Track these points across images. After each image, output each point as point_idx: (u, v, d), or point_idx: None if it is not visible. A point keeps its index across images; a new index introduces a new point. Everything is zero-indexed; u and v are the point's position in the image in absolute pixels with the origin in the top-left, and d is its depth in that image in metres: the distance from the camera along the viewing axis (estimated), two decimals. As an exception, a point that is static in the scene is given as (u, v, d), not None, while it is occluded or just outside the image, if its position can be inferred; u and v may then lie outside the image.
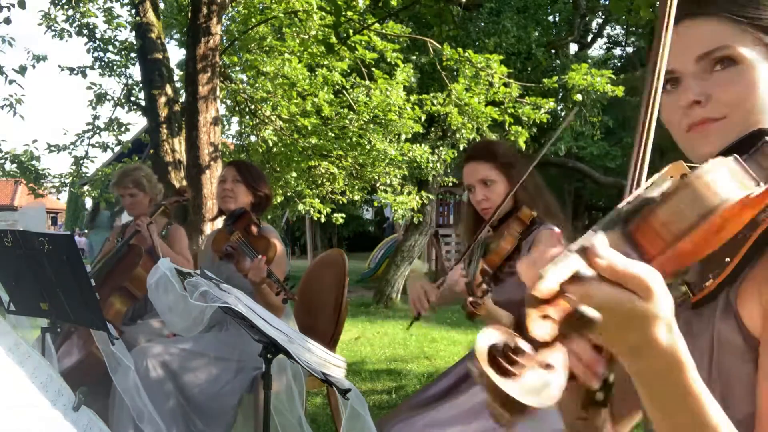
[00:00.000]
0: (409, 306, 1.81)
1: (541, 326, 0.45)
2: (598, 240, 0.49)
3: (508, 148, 1.96)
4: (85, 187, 6.81)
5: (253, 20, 6.62)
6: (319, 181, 6.91)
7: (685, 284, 0.74)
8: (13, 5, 4.52)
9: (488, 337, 0.45)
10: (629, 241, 0.52)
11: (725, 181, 0.53)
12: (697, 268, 0.74)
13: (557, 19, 13.95)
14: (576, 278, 0.46)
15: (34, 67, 5.85)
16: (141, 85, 5.67)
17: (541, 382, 0.43)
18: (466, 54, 6.37)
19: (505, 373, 0.43)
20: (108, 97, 6.26)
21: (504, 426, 0.44)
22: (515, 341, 0.45)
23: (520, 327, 0.46)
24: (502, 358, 0.44)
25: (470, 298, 1.61)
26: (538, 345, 0.45)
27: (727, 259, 0.69)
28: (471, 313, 1.61)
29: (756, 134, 0.63)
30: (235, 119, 8.21)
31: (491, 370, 0.43)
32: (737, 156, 0.56)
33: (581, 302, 0.45)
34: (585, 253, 0.49)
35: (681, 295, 0.76)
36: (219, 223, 3.10)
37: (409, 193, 6.95)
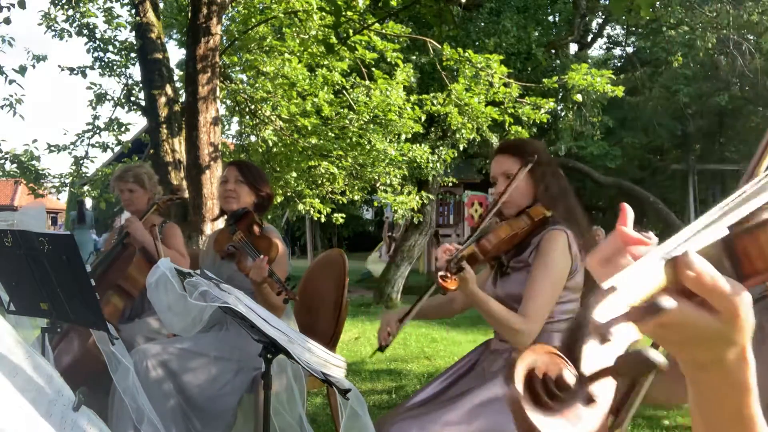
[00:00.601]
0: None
1: (597, 352, 0.39)
2: (692, 250, 0.43)
3: (540, 146, 1.93)
4: (85, 187, 6.80)
5: (253, 20, 6.62)
6: (319, 181, 6.90)
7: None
8: (13, 5, 4.52)
9: (530, 360, 0.40)
10: (728, 250, 0.46)
11: None
12: None
13: (557, 19, 13.95)
14: (654, 307, 0.39)
15: (34, 67, 5.85)
16: (141, 85, 5.67)
17: (576, 417, 0.39)
18: (466, 54, 6.37)
19: (540, 404, 0.39)
20: (108, 97, 6.26)
21: None
22: (560, 371, 0.39)
23: (570, 351, 0.40)
24: (542, 388, 0.39)
25: (441, 272, 1.63)
26: (583, 380, 0.39)
27: None
28: (441, 286, 1.64)
29: None
30: (235, 119, 8.21)
31: (527, 398, 0.38)
32: None
33: (654, 332, 0.41)
34: (675, 262, 0.43)
35: (762, 291, 0.71)
36: (220, 223, 3.10)
37: (409, 193, 6.95)
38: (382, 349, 1.86)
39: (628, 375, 0.39)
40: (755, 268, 0.45)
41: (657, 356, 0.38)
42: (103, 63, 6.19)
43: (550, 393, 0.39)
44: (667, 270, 0.42)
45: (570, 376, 0.39)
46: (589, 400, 0.39)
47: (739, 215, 0.46)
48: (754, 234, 0.45)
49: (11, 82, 5.44)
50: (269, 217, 8.18)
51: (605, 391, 0.39)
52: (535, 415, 0.38)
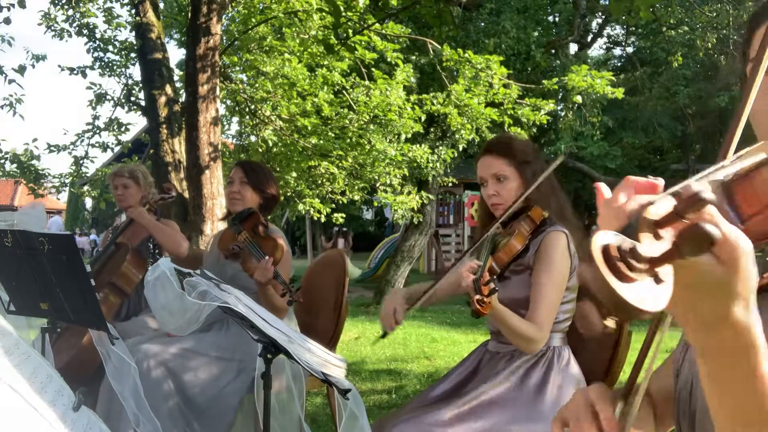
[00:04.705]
0: (379, 322, 1.80)
1: (655, 246, 0.43)
2: (698, 185, 0.45)
3: (528, 145, 1.90)
4: (85, 187, 6.81)
5: (253, 20, 6.62)
6: (319, 181, 6.91)
7: None
8: (13, 5, 4.53)
9: (605, 237, 0.44)
10: (727, 195, 0.50)
11: None
12: None
13: (557, 19, 13.96)
14: (697, 199, 0.43)
15: (33, 66, 5.87)
16: (141, 85, 5.68)
17: (651, 292, 0.43)
18: (466, 55, 6.37)
19: (620, 275, 0.42)
20: (108, 97, 6.27)
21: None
22: (633, 245, 0.43)
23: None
24: (620, 260, 0.42)
25: (477, 296, 1.54)
26: (651, 260, 0.43)
27: None
28: (477, 311, 1.55)
29: None
30: (235, 119, 8.21)
31: (608, 270, 0.42)
32: None
33: (701, 220, 0.43)
34: (680, 196, 0.45)
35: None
36: (220, 223, 3.10)
37: (409, 193, 6.95)
38: (385, 335, 1.80)
39: (689, 253, 0.42)
40: (753, 210, 0.49)
41: (713, 228, 0.41)
42: (103, 63, 6.20)
43: (627, 264, 0.42)
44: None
45: (644, 250, 0.42)
46: (658, 279, 0.43)
47: (733, 168, 0.52)
48: (750, 177, 0.50)
49: (11, 81, 5.45)
50: (269, 217, 8.19)
51: (669, 274, 0.43)
52: (618, 285, 0.41)
